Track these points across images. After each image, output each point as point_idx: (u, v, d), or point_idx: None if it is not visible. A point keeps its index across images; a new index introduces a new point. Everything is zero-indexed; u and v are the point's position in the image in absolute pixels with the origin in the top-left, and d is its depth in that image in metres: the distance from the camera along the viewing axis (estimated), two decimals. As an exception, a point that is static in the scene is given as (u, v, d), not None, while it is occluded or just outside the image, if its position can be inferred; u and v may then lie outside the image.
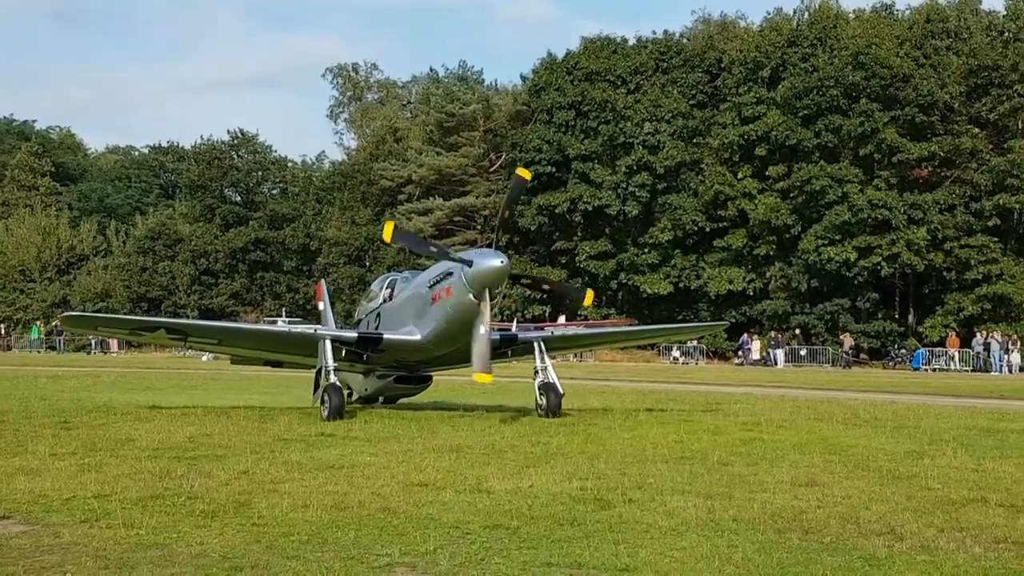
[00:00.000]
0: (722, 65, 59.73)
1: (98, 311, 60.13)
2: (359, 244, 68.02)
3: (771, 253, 54.01)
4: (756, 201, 53.85)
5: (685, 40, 63.84)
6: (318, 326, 21.22)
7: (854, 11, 61.51)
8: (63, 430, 13.24)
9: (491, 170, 65.20)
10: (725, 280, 54.88)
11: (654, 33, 63.80)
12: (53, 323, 68.47)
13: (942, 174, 53.58)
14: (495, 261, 15.39)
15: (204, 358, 47.61)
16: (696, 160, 57.13)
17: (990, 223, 51.10)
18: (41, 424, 14.01)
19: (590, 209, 56.96)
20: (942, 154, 51.83)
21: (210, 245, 72.81)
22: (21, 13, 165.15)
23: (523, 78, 68.31)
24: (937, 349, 49.73)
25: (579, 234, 58.91)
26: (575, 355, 47.49)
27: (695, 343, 54.30)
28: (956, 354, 48.39)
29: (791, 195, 53.02)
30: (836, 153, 53.22)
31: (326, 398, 15.52)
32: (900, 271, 52.37)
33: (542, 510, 7.64)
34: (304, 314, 62.96)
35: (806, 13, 60.78)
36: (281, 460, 10.35)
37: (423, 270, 17.98)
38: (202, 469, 9.57)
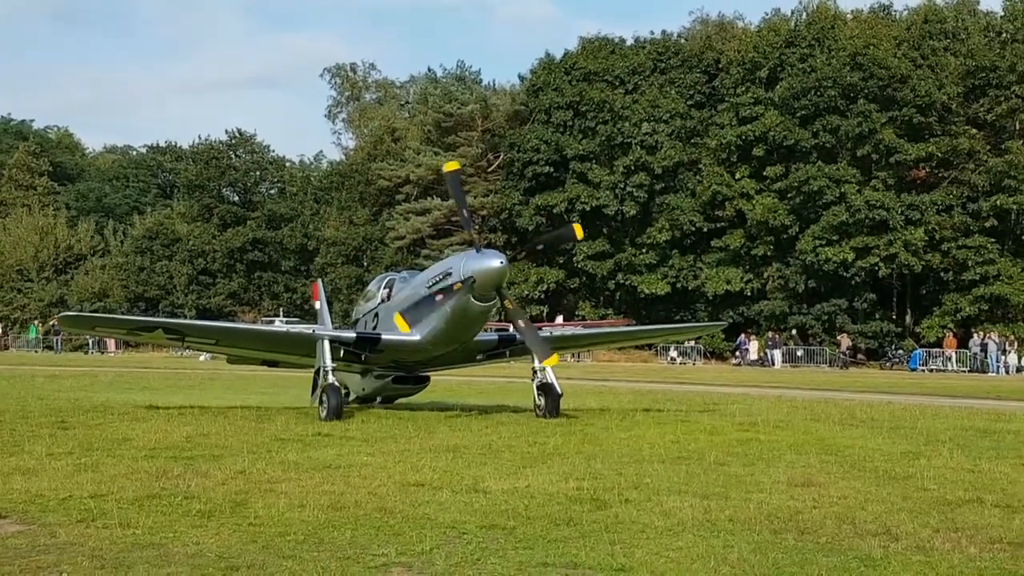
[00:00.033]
0: (720, 65, 59.67)
1: (96, 311, 60.05)
2: (357, 244, 68.00)
3: (769, 253, 53.96)
4: (754, 201, 53.80)
5: (683, 40, 63.74)
6: (316, 326, 21.23)
7: (852, 12, 61.56)
8: (60, 430, 13.26)
9: (489, 170, 65.11)
10: (723, 280, 54.81)
11: (652, 33, 63.79)
12: (51, 323, 68.31)
13: (940, 175, 53.52)
14: (494, 262, 15.43)
15: (202, 358, 47.54)
16: (694, 160, 57.07)
17: (987, 224, 51.00)
18: (38, 424, 14.02)
19: (588, 209, 56.87)
20: (940, 155, 51.77)
21: (208, 245, 72.66)
22: (21, 13, 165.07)
23: (521, 78, 68.28)
24: (934, 350, 49.67)
25: (577, 234, 58.77)
26: (573, 355, 47.45)
27: (692, 343, 54.29)
28: (953, 355, 48.37)
29: (789, 195, 52.97)
30: (834, 154, 53.16)
31: (325, 398, 15.54)
32: (897, 272, 52.34)
33: (538, 510, 7.65)
34: (302, 314, 62.92)
35: (804, 14, 60.79)
36: (278, 460, 10.37)
37: (421, 270, 18.01)
38: (199, 469, 9.58)
